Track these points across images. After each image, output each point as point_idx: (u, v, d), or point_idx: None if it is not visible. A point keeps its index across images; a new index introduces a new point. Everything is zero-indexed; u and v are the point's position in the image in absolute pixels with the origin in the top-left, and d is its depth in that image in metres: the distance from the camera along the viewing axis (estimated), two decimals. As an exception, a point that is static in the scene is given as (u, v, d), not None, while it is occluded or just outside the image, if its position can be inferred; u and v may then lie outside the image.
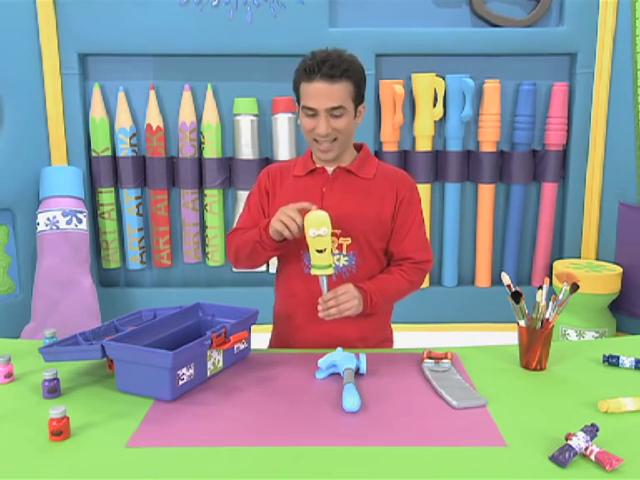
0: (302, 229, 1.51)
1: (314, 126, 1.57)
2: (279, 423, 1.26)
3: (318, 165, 1.69)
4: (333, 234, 1.57)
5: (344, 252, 1.65)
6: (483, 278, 3.73)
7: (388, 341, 1.81)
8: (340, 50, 1.58)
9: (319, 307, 1.55)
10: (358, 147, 1.72)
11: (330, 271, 1.53)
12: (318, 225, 1.49)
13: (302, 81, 1.56)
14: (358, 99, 1.60)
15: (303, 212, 1.53)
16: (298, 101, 1.63)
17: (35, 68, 3.36)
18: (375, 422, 1.26)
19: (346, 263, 1.65)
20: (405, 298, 1.73)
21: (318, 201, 1.62)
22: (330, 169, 1.68)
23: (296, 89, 1.62)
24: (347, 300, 1.55)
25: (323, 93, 1.53)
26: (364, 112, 1.66)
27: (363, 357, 1.49)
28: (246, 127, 3.49)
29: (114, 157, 3.58)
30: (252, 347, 1.62)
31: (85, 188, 3.51)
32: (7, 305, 3.41)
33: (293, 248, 1.66)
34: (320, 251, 1.50)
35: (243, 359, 1.59)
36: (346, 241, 1.64)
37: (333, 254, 1.62)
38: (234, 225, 1.81)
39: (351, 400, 1.29)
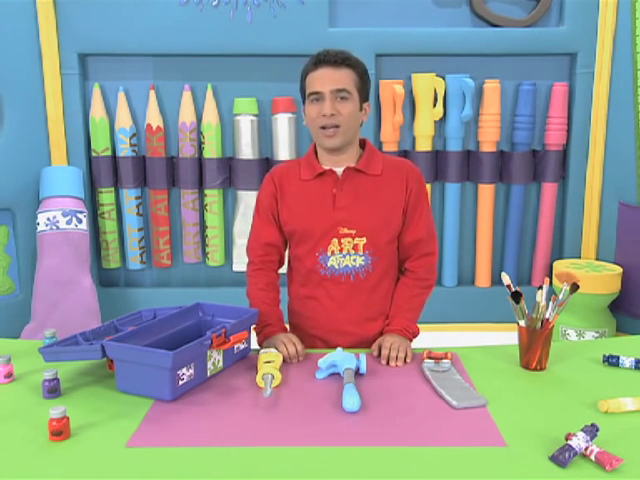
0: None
1: (319, 110, 1.58)
2: (279, 423, 1.26)
3: (326, 167, 1.68)
4: (349, 235, 1.64)
5: (360, 252, 1.66)
6: (483, 278, 3.72)
7: None
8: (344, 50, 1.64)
9: (393, 363, 1.56)
10: (361, 143, 1.73)
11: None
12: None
13: (308, 72, 1.61)
14: (363, 93, 1.64)
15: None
16: (304, 98, 1.65)
17: (35, 68, 3.36)
18: (375, 422, 1.26)
19: (363, 263, 1.67)
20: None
21: (329, 203, 1.65)
22: (339, 170, 1.67)
23: (302, 87, 1.65)
24: (400, 350, 1.58)
25: (328, 77, 1.58)
26: (369, 111, 1.69)
27: (363, 357, 1.49)
28: (246, 127, 3.49)
29: (114, 157, 3.58)
30: (252, 347, 1.62)
31: (85, 188, 3.51)
32: (7, 305, 3.41)
33: (307, 250, 1.68)
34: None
35: (243, 359, 1.59)
36: (362, 241, 1.66)
37: (350, 255, 1.65)
38: (248, 234, 1.83)
39: (351, 400, 1.30)
